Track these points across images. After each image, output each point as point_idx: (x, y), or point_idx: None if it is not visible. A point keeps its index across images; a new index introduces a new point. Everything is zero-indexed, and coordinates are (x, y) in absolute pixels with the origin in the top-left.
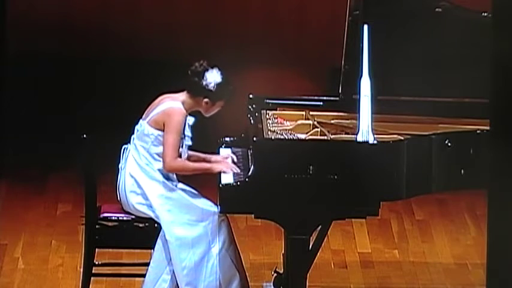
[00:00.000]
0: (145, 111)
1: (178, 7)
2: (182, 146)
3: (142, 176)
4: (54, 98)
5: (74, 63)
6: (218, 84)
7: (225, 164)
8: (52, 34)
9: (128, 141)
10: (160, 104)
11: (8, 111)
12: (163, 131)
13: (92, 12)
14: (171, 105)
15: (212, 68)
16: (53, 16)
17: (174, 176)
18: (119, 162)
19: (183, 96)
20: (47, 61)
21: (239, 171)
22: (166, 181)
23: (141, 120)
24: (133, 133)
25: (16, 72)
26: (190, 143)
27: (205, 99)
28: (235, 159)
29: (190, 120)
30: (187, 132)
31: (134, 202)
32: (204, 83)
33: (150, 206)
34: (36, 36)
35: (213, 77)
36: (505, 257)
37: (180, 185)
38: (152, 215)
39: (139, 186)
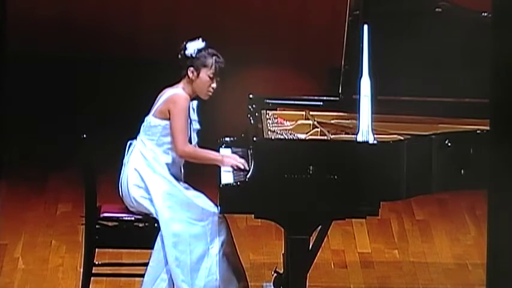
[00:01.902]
0: (151, 108)
1: (179, 7)
2: (190, 131)
3: (148, 171)
4: (54, 98)
5: (74, 63)
6: (199, 51)
7: (235, 160)
8: (52, 34)
9: (134, 137)
10: (162, 95)
11: (8, 111)
12: (170, 119)
13: (91, 12)
14: (172, 92)
15: (197, 39)
16: (53, 16)
17: (181, 173)
18: (123, 158)
19: (181, 83)
20: (47, 61)
21: (247, 168)
22: (171, 177)
23: (146, 117)
24: (139, 130)
25: (16, 72)
26: (198, 126)
27: (191, 69)
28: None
29: (194, 103)
30: (194, 116)
31: (136, 195)
32: (186, 52)
33: (151, 201)
34: (36, 36)
35: (193, 45)
36: (505, 257)
37: (183, 184)
38: (152, 210)
39: (142, 180)
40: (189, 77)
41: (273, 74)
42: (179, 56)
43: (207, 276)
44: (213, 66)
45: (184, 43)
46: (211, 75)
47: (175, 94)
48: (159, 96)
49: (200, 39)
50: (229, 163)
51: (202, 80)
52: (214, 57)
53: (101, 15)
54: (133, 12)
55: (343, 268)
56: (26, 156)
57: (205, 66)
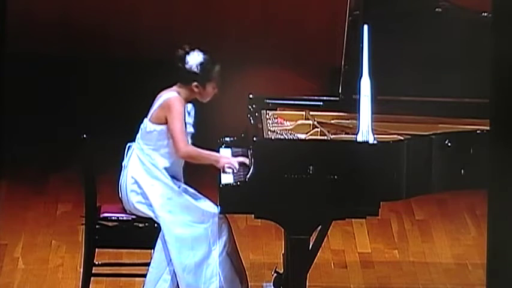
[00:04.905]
0: (148, 112)
1: (179, 7)
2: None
3: (145, 176)
4: (54, 98)
5: (74, 63)
6: (201, 65)
7: (232, 160)
8: (52, 34)
9: (133, 139)
10: (158, 99)
11: (8, 111)
12: (166, 124)
13: (91, 12)
14: (167, 96)
15: (193, 50)
16: (53, 16)
17: (181, 175)
18: (122, 160)
19: (176, 87)
20: (47, 61)
21: (247, 161)
22: (170, 181)
23: (145, 119)
24: (137, 132)
25: (16, 72)
26: (192, 130)
27: (195, 83)
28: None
29: (189, 106)
30: (188, 120)
31: (134, 201)
32: (187, 66)
33: (150, 206)
34: (36, 36)
35: (194, 59)
36: (505, 257)
37: (183, 186)
38: (152, 215)
39: (139, 186)
40: (192, 90)
41: (273, 74)
42: (178, 64)
43: (211, 278)
44: (217, 77)
45: (182, 53)
46: (215, 86)
47: (169, 98)
48: (155, 101)
49: (197, 51)
50: (223, 163)
51: (208, 93)
52: (216, 68)
53: (100, 15)
54: (133, 13)
55: (343, 268)
56: (26, 156)
57: (210, 80)
